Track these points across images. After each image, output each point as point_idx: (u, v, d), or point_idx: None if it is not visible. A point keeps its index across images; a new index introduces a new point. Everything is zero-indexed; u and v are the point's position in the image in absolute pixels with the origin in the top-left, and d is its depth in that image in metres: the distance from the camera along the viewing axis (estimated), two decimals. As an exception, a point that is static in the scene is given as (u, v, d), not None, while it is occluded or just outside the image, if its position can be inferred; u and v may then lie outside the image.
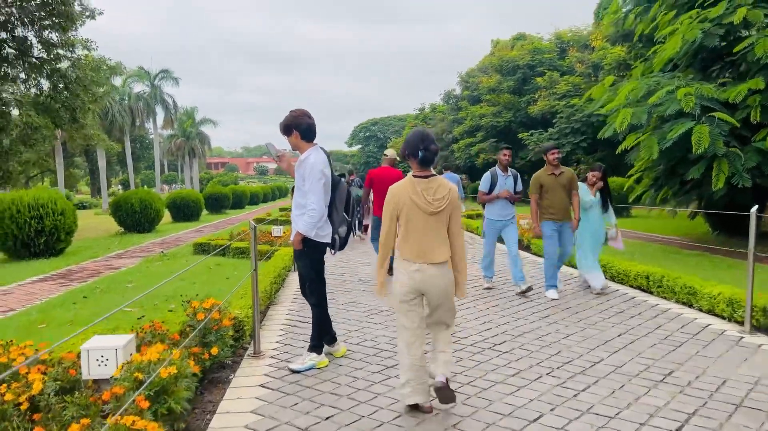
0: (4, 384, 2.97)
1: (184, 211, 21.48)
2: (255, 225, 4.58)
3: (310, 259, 4.21)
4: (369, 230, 9.72)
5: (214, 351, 3.88)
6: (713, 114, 8.90)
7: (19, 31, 15.27)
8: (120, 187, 59.06)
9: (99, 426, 2.64)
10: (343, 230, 4.27)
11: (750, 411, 3.37)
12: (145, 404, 2.78)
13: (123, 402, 2.79)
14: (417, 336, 3.36)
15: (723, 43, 9.71)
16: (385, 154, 8.29)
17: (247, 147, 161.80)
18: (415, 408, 3.39)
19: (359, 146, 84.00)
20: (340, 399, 3.62)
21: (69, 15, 14.86)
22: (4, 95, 15.08)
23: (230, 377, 4.05)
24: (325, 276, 4.42)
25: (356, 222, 13.60)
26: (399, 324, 3.42)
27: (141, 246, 12.95)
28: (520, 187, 7.10)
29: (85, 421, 2.61)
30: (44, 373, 3.16)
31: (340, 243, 4.28)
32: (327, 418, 3.34)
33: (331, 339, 4.44)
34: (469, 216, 17.16)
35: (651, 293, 6.69)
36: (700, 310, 5.80)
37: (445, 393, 3.27)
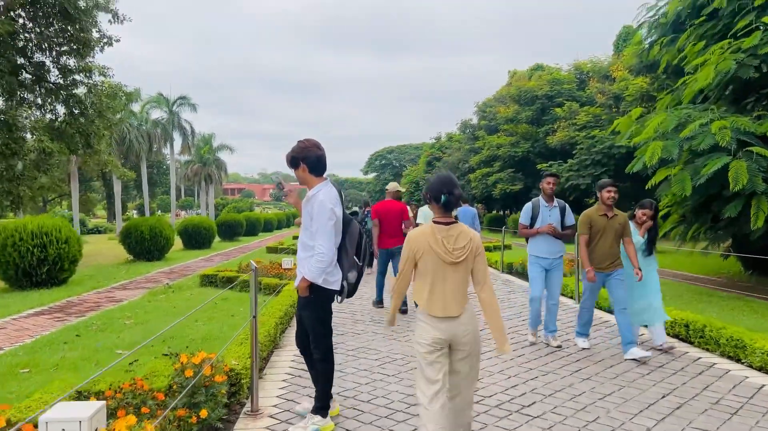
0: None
1: (196, 238, 21.21)
2: (255, 266, 4.13)
3: (316, 308, 3.73)
4: (374, 263, 9.37)
5: (203, 413, 3.39)
6: (750, 149, 8.39)
7: (37, 57, 15.30)
8: (135, 212, 59.25)
9: None
10: (352, 276, 3.78)
11: None
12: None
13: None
14: (441, 388, 2.91)
15: (757, 75, 9.24)
16: (386, 188, 8.20)
17: (263, 173, 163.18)
18: None
19: (374, 174, 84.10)
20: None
21: (86, 41, 14.88)
22: (19, 120, 15.00)
23: (221, 442, 3.56)
24: (334, 313, 3.91)
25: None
26: (420, 376, 2.97)
27: (148, 276, 12.58)
28: (570, 221, 6.03)
29: None
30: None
31: (348, 290, 3.79)
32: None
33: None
34: (487, 248, 16.61)
35: (691, 343, 6.08)
36: (751, 367, 5.19)
37: None
